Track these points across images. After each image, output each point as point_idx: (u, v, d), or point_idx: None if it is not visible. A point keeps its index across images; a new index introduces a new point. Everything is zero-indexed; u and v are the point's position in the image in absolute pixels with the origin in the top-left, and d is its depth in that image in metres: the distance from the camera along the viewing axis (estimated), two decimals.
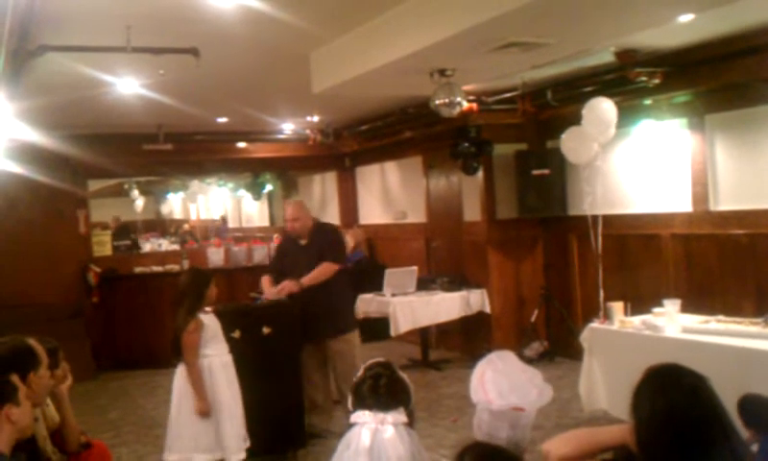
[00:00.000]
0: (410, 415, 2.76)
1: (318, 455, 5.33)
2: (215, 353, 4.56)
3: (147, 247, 11.89)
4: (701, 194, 6.42)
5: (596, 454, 2.39)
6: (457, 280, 8.17)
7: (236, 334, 5.03)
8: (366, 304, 7.76)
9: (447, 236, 8.97)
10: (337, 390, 5.80)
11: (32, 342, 3.11)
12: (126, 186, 15.75)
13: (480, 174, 8.10)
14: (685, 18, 4.80)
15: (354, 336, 5.84)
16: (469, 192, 8.42)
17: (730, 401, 2.47)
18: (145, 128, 8.87)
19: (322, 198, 12.19)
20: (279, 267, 5.86)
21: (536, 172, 7.77)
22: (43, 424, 3.38)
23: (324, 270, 5.57)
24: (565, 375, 6.96)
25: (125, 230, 12.91)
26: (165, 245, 12.41)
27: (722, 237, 6.27)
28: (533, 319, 8.07)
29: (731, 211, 6.21)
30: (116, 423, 6.74)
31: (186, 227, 16.67)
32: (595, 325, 5.59)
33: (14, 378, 2.69)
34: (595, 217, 6.46)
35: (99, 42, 4.69)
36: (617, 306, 5.46)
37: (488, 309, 8.04)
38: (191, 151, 10.04)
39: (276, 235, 10.67)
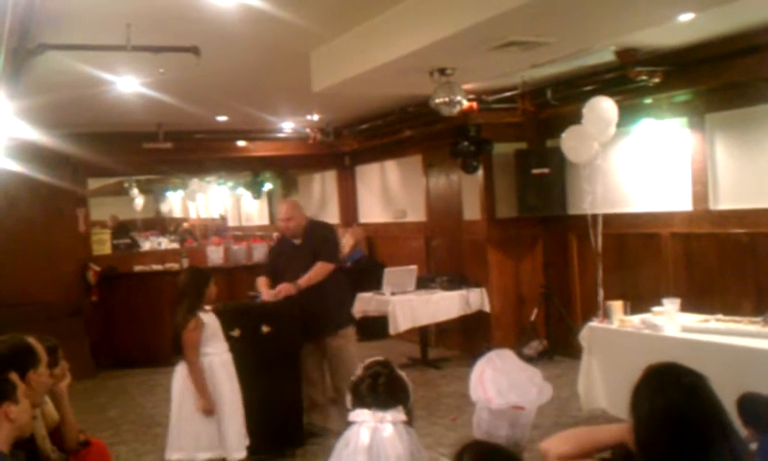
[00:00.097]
0: (409, 413, 2.76)
1: (317, 454, 5.33)
2: (215, 352, 4.56)
3: (146, 245, 11.91)
4: (701, 193, 6.42)
5: (595, 453, 2.39)
6: (456, 279, 8.16)
7: (236, 333, 5.04)
8: (365, 303, 7.75)
9: (447, 235, 8.97)
10: (333, 388, 5.80)
11: (31, 340, 3.10)
12: (125, 185, 15.75)
13: (480, 173, 8.09)
14: (686, 17, 4.80)
15: (350, 332, 5.83)
16: (469, 191, 8.42)
17: (729, 400, 2.47)
18: (145, 126, 8.87)
19: (321, 197, 12.19)
20: (274, 267, 5.83)
21: (535, 171, 7.77)
22: (42, 422, 3.37)
23: (319, 270, 5.56)
24: (564, 373, 6.96)
25: (123, 229, 12.91)
26: (165, 244, 12.42)
27: (722, 236, 6.27)
28: (532, 318, 8.07)
29: (730, 210, 6.21)
30: (115, 421, 6.74)
31: (186, 225, 16.66)
32: (594, 324, 5.59)
33: (14, 377, 2.69)
34: (595, 216, 6.46)
35: (99, 41, 4.69)
36: (617, 305, 5.46)
37: (487, 308, 8.04)
38: (191, 149, 10.03)
39: (275, 234, 10.67)
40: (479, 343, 7.92)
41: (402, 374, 2.86)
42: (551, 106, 7.59)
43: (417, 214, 9.61)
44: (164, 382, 5.48)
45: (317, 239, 5.70)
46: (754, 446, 2.85)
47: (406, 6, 4.75)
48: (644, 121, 6.88)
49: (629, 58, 6.14)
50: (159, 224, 18.00)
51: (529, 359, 7.13)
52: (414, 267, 8.18)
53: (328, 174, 11.74)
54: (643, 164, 7.01)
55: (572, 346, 6.83)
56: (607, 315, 5.51)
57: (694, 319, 5.13)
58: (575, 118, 6.27)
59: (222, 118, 8.91)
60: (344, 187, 11.36)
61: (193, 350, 4.45)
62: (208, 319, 4.56)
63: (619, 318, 5.40)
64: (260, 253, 9.82)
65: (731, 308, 5.56)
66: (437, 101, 5.50)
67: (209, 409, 4.44)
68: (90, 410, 6.95)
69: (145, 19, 4.50)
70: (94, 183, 11.44)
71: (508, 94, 7.63)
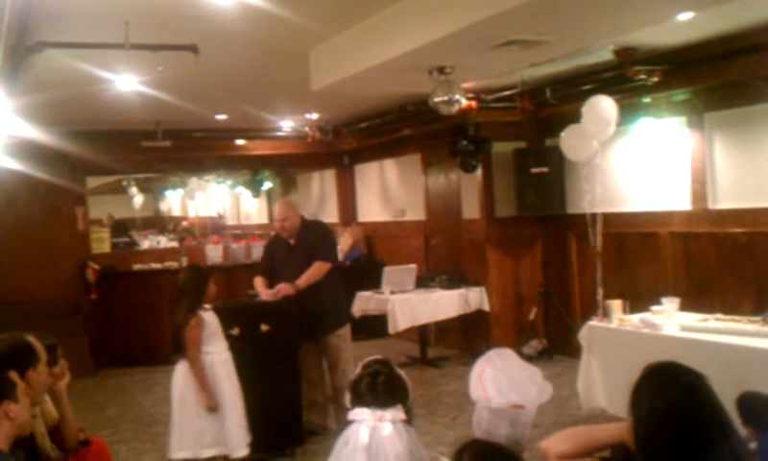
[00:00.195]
0: (408, 412, 2.76)
1: (316, 452, 5.33)
2: (215, 351, 4.56)
3: (145, 244, 11.89)
4: (700, 192, 6.43)
5: (594, 452, 2.39)
6: (456, 278, 8.16)
7: (235, 331, 5.03)
8: (364, 302, 7.75)
9: (446, 234, 8.97)
10: (332, 386, 5.80)
11: (30, 339, 3.10)
12: (124, 183, 15.74)
13: (479, 172, 8.09)
14: (685, 16, 4.80)
15: (346, 330, 5.82)
16: (468, 190, 8.42)
17: (728, 399, 2.47)
18: (144, 125, 8.86)
19: (320, 195, 12.18)
20: (270, 267, 5.82)
21: (535, 170, 7.77)
22: (42, 420, 3.37)
23: (317, 270, 5.55)
24: (564, 372, 6.97)
25: (121, 228, 12.89)
26: (164, 242, 12.41)
27: (721, 236, 6.28)
28: (531, 317, 8.07)
29: (729, 210, 6.21)
30: (115, 420, 6.74)
31: (185, 224, 16.65)
32: (594, 323, 5.60)
33: (13, 375, 2.69)
34: (594, 215, 6.45)
35: (97, 39, 4.68)
36: (616, 304, 5.46)
37: (486, 307, 8.04)
38: (190, 148, 10.03)
39: (274, 233, 10.66)
40: (478, 342, 7.92)
41: (401, 372, 2.86)
42: (550, 105, 7.60)
43: (416, 213, 9.61)
44: (163, 381, 5.48)
45: (311, 238, 5.69)
46: (753, 445, 2.86)
47: (405, 4, 4.75)
48: (643, 120, 6.88)
49: (628, 57, 6.14)
50: (158, 222, 17.97)
51: (528, 358, 7.12)
52: (413, 266, 8.18)
53: (327, 173, 11.73)
54: (642, 163, 7.01)
55: (571, 345, 6.84)
56: (606, 314, 5.52)
57: (693, 318, 5.13)
58: (574, 117, 6.27)
59: (221, 117, 8.91)
60: (343, 186, 11.35)
61: (195, 347, 4.45)
62: (208, 317, 4.56)
63: (618, 317, 5.41)
64: (259, 251, 9.72)
65: (730, 307, 5.57)
66: (436, 99, 5.50)
67: (213, 406, 4.44)
68: (90, 409, 6.94)
69: (144, 17, 4.49)
70: (93, 182, 11.42)
71: (507, 93, 7.63)
